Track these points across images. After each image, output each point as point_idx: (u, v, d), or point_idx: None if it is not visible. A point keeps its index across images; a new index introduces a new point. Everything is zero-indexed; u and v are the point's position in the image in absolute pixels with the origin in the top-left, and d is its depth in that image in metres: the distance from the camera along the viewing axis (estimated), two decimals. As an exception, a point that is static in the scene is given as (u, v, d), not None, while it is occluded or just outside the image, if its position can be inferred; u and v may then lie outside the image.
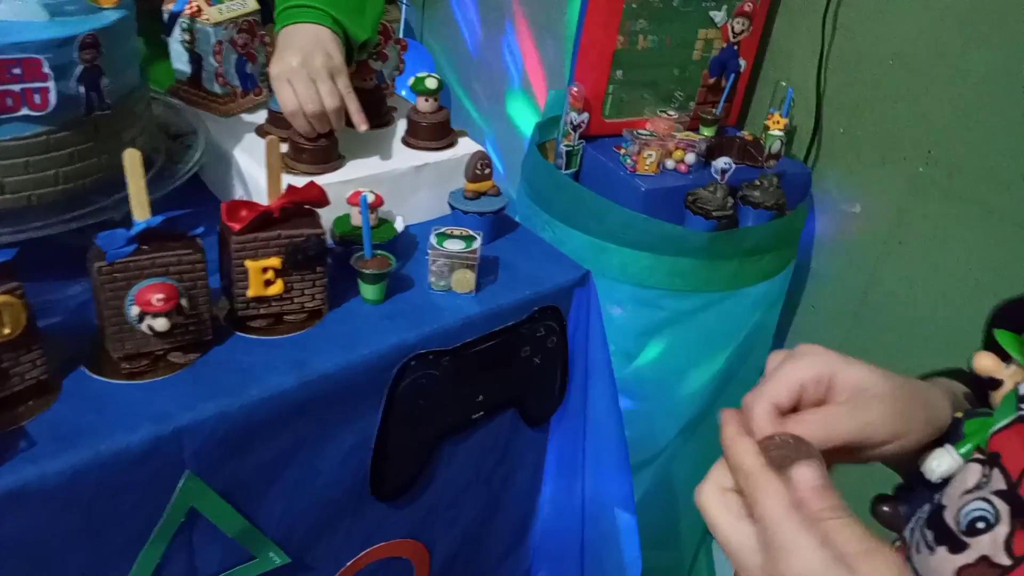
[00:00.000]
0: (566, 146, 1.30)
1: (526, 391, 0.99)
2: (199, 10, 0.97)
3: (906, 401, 0.45)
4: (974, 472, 0.42)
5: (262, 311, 0.80)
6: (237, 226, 0.74)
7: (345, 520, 0.88)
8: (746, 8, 1.31)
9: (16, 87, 0.67)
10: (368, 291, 0.85)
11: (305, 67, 0.89)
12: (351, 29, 0.97)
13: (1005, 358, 0.47)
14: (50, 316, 0.77)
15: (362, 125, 0.94)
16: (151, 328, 0.71)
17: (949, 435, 0.48)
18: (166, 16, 0.97)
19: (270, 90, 1.00)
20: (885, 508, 0.51)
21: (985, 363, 0.47)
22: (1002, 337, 0.46)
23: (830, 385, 0.45)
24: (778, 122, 1.31)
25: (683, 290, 1.24)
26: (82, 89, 0.73)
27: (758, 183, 1.24)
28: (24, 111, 0.69)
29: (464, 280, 0.89)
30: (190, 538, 0.74)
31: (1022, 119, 1.12)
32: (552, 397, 1.03)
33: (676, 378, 1.37)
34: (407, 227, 0.99)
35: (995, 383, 0.47)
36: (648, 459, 1.45)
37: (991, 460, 0.41)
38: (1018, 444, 0.40)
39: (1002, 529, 0.38)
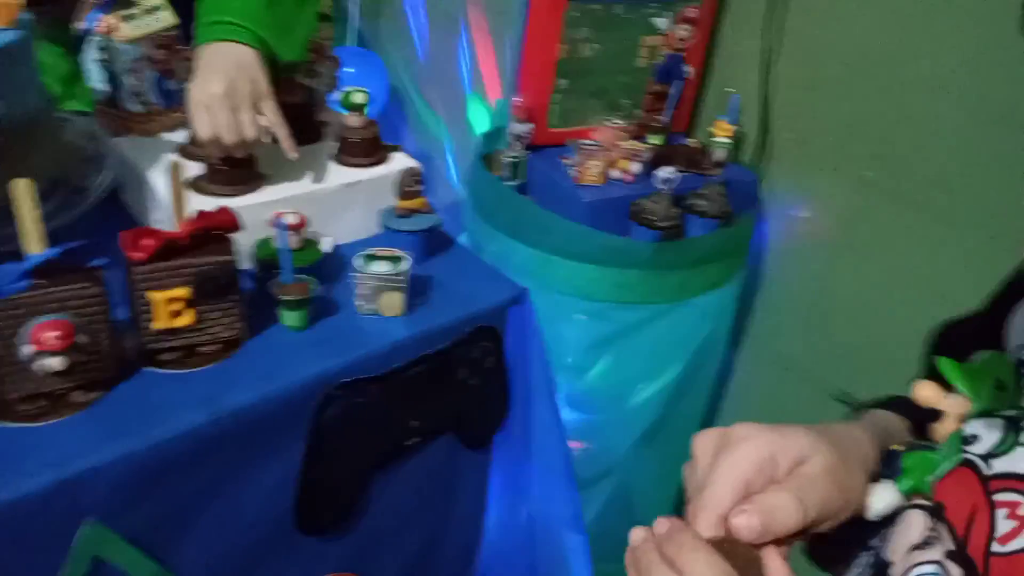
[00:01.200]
0: (510, 157, 1.28)
1: (464, 414, 0.96)
2: (114, 27, 0.92)
3: (848, 470, 0.43)
4: (918, 523, 0.40)
5: (172, 344, 0.76)
6: (137, 256, 0.70)
7: (273, 558, 0.84)
8: (690, 15, 1.29)
9: None
10: (289, 318, 0.82)
11: (228, 96, 0.85)
12: (278, 49, 0.93)
13: (947, 386, 0.45)
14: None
15: (292, 153, 0.90)
16: (47, 368, 0.67)
17: (887, 469, 0.46)
18: (76, 33, 0.93)
19: (192, 107, 0.96)
20: (820, 546, 0.48)
21: (926, 393, 0.45)
22: (944, 365, 0.44)
23: (768, 467, 0.41)
24: (724, 129, 1.29)
25: (630, 301, 1.22)
26: (-32, 114, 0.69)
27: (703, 192, 1.22)
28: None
29: (392, 303, 0.85)
30: (97, 588, 0.70)
31: (964, 122, 1.11)
32: (492, 418, 1.00)
33: (628, 389, 1.34)
34: (338, 248, 0.95)
35: (936, 414, 0.45)
36: (605, 471, 1.42)
37: (936, 512, 0.38)
38: (962, 493, 0.38)
39: None
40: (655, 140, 1.35)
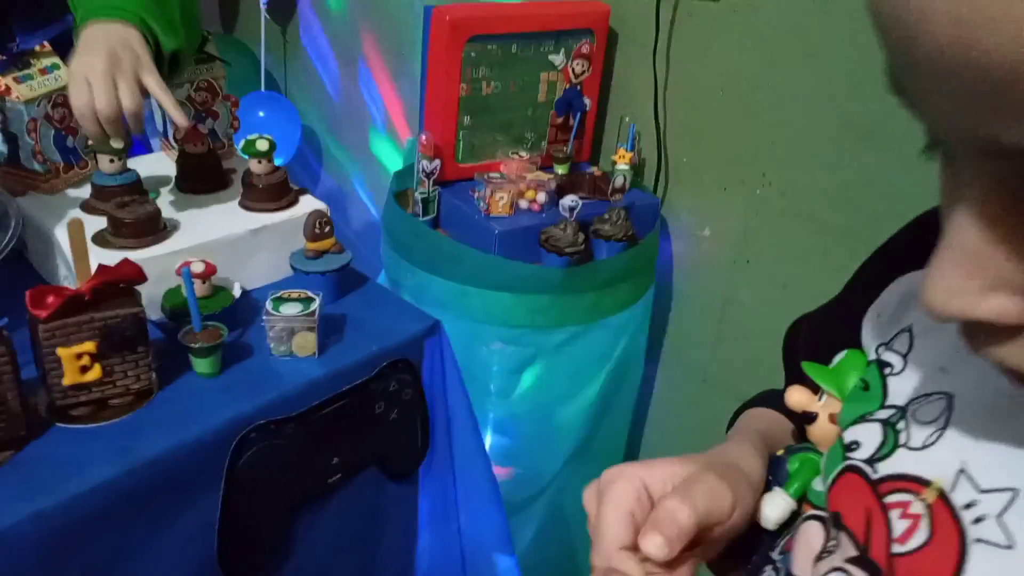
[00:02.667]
0: (420, 193, 1.31)
1: (386, 447, 0.98)
2: (8, 89, 0.93)
3: (724, 468, 0.44)
4: (817, 533, 0.41)
5: (82, 398, 0.76)
6: (43, 313, 0.71)
7: (199, 605, 0.84)
8: (583, 50, 1.37)
9: None
10: (200, 365, 0.83)
11: (109, 67, 0.85)
12: (161, 36, 0.94)
13: (815, 388, 0.47)
14: None
15: (181, 121, 0.90)
16: (-49, 431, 0.67)
17: (774, 476, 0.48)
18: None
19: (95, 162, 0.97)
20: (723, 560, 0.49)
21: (797, 398, 0.46)
22: (810, 369, 0.45)
23: (649, 494, 0.43)
24: (623, 156, 1.36)
25: (545, 326, 1.27)
26: None
27: (607, 217, 1.28)
28: None
29: (305, 343, 0.87)
30: (12, 653, 0.69)
31: (839, 136, 1.20)
32: (415, 449, 1.02)
33: (552, 411, 1.38)
34: (250, 293, 0.97)
35: (810, 417, 0.46)
36: (536, 493, 1.45)
37: (834, 521, 0.39)
38: (855, 500, 0.38)
39: None
40: (560, 170, 1.41)
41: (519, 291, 1.22)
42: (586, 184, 1.36)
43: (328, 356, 0.89)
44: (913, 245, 0.40)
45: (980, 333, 0.27)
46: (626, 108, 1.49)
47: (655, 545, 0.39)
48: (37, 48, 0.96)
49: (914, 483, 0.35)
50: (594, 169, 1.44)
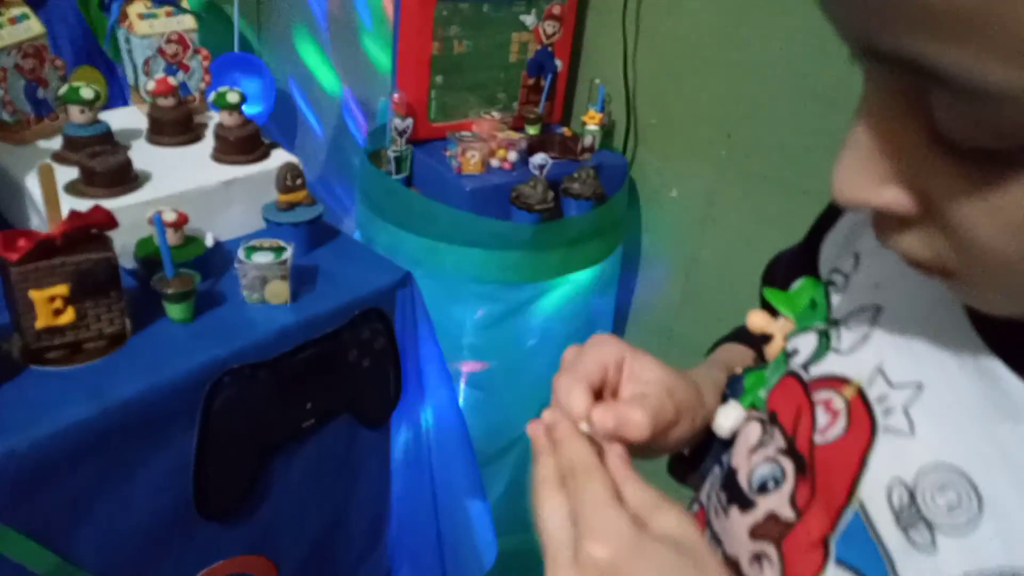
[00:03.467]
0: (393, 151, 1.33)
1: (358, 394, 1.01)
2: (-25, 36, 0.93)
3: (683, 387, 0.49)
4: (755, 431, 0.45)
5: (56, 342, 0.77)
6: (14, 256, 0.72)
7: (174, 543, 0.86)
8: (554, 11, 1.38)
9: None
10: (174, 311, 0.84)
11: None
12: None
13: (774, 313, 0.50)
14: None
15: None
16: (-73, 371, 0.68)
17: (731, 391, 0.52)
18: (-64, 44, 0.93)
19: (66, 113, 0.97)
20: (682, 468, 0.54)
21: (756, 320, 0.50)
22: (769, 294, 0.50)
23: (621, 368, 0.48)
24: (593, 117, 1.38)
25: (515, 281, 1.29)
26: None
27: (576, 176, 1.30)
28: None
29: (277, 291, 0.89)
30: (-7, 584, 0.72)
31: (802, 99, 1.23)
32: (387, 397, 1.05)
33: (523, 365, 1.42)
34: (222, 244, 0.98)
35: (767, 338, 0.50)
36: (507, 446, 1.49)
37: (770, 419, 0.43)
38: (789, 399, 0.42)
39: (787, 485, 0.40)
40: (532, 130, 1.43)
41: (490, 247, 1.24)
42: (556, 144, 1.38)
43: (300, 304, 0.91)
44: None
45: (884, 225, 0.30)
46: (596, 70, 1.50)
47: (602, 424, 0.43)
48: (4, -3, 0.95)
49: (838, 382, 0.39)
50: (564, 129, 1.46)
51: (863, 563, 0.34)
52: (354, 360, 0.97)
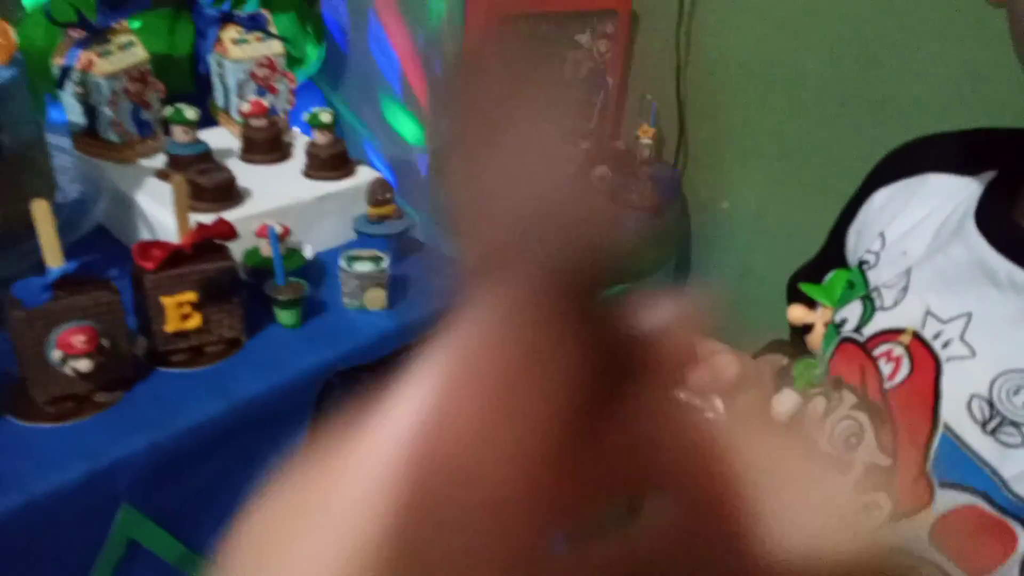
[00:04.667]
0: (457, 167, 1.38)
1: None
2: (91, 63, 0.99)
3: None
4: (819, 402, 0.49)
5: (182, 345, 0.83)
6: (151, 265, 0.78)
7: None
8: (607, 31, 1.44)
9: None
10: (285, 316, 0.90)
11: None
12: None
13: (812, 306, 0.56)
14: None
15: None
16: (75, 370, 0.74)
17: (782, 380, 0.56)
18: (56, 71, 0.99)
19: (167, 134, 1.04)
20: None
21: (796, 313, 0.56)
22: (807, 288, 0.55)
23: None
24: (646, 131, 1.43)
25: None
26: (-18, 146, 0.75)
27: (633, 188, 1.35)
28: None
29: (376, 298, 0.94)
30: (130, 569, 0.77)
31: (850, 110, 1.28)
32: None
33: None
34: (317, 255, 1.04)
35: (808, 328, 0.55)
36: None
37: (835, 384, 0.48)
38: (851, 362, 0.48)
39: (868, 435, 0.44)
40: (585, 144, 1.49)
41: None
42: (611, 157, 1.44)
43: (396, 311, 0.96)
44: (882, 169, 0.55)
45: None
46: (647, 86, 1.56)
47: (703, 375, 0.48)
48: (115, 25, 1.02)
49: (893, 334, 0.45)
50: (619, 143, 1.51)
51: (965, 476, 0.39)
52: (441, 364, 1.02)
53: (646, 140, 1.44)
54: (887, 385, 0.44)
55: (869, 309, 0.48)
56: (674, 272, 1.55)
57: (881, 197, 0.56)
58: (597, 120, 1.51)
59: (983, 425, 0.38)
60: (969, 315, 0.41)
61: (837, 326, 0.51)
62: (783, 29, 1.33)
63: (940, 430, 0.40)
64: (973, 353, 0.40)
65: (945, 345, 0.41)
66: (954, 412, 0.40)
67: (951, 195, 0.48)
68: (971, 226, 0.44)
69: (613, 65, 1.49)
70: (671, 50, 1.47)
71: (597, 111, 1.50)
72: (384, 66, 1.98)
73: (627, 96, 1.60)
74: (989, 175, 0.47)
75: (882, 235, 0.52)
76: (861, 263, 0.53)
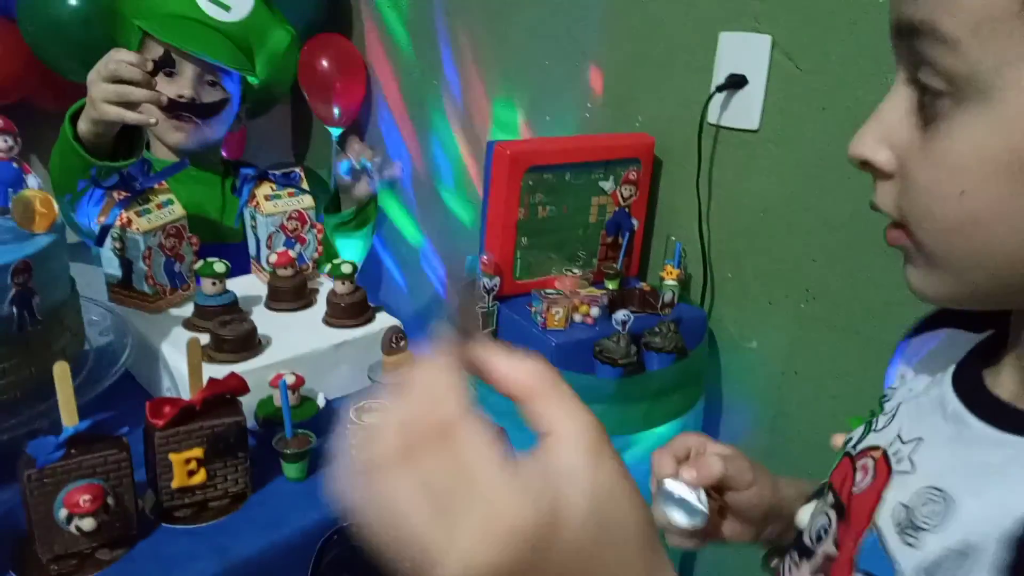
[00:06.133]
0: (482, 308, 1.41)
1: (452, 551, 1.03)
2: (129, 221, 1.06)
3: (756, 467, 0.68)
4: (813, 503, 0.59)
5: (187, 500, 0.84)
6: (160, 422, 0.80)
7: None
8: (631, 176, 1.48)
9: (-48, 317, 0.74)
10: (290, 470, 0.90)
11: None
12: None
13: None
14: (-24, 525, 0.80)
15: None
16: (79, 528, 0.75)
17: (811, 496, 0.63)
18: (97, 228, 1.06)
19: (197, 284, 1.09)
20: (775, 559, 0.65)
21: (837, 440, 0.63)
22: (849, 420, 0.62)
23: (704, 449, 0.68)
24: (671, 272, 1.44)
25: (600, 435, 1.32)
26: (14, 309, 0.80)
27: (658, 329, 1.35)
28: (-42, 336, 0.76)
29: (383, 450, 0.94)
30: None
31: (877, 253, 1.27)
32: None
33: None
34: (330, 402, 1.05)
35: None
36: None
37: (826, 488, 0.57)
38: (841, 472, 0.56)
39: (831, 529, 0.53)
40: (611, 285, 1.50)
41: (575, 401, 1.28)
42: (636, 299, 1.45)
43: (403, 462, 0.96)
44: (917, 324, 0.62)
45: (876, 180, 0.46)
46: (672, 228, 1.58)
47: (687, 473, 0.63)
48: (156, 186, 1.10)
49: (872, 450, 0.53)
50: (643, 284, 1.52)
51: (876, 568, 0.46)
52: (451, 517, 1.00)
53: (670, 281, 1.44)
54: (854, 490, 0.52)
55: (867, 430, 0.56)
56: (705, 412, 1.51)
57: (909, 345, 0.65)
58: (623, 261, 1.52)
59: (899, 527, 0.45)
60: (920, 439, 0.49)
61: (845, 443, 0.59)
62: (807, 175, 1.35)
63: (872, 529, 0.47)
64: (913, 470, 0.48)
65: (898, 461, 0.49)
66: (884, 515, 0.47)
67: (957, 348, 0.55)
68: (950, 373, 0.51)
69: (637, 208, 1.52)
70: (693, 194, 1.50)
71: (622, 253, 1.52)
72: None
73: (652, 238, 1.62)
74: (988, 333, 0.54)
75: (903, 375, 0.60)
76: (882, 396, 0.61)
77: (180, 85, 1.37)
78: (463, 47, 1.94)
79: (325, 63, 2.13)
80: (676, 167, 1.54)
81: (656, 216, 1.61)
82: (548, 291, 1.40)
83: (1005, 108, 0.36)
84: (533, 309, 1.40)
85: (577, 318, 1.40)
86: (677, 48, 1.50)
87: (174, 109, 1.36)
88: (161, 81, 1.33)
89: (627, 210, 1.51)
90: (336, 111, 2.17)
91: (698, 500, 0.62)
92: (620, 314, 1.31)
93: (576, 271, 1.49)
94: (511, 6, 1.80)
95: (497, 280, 1.41)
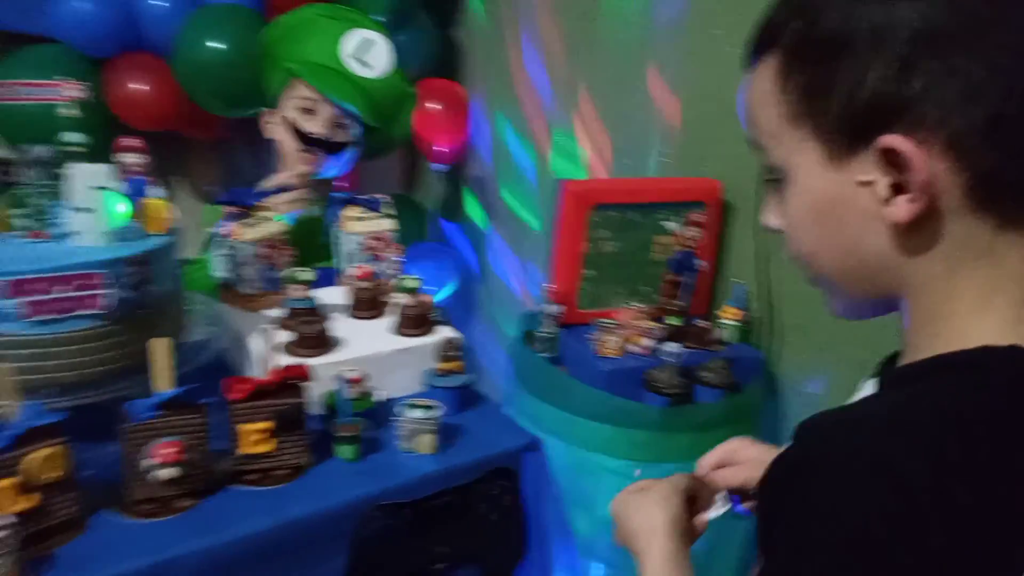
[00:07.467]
0: (543, 333, 1.51)
1: (485, 545, 1.12)
2: (237, 232, 1.24)
3: None
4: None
5: (254, 467, 0.98)
6: (236, 396, 0.95)
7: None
8: (696, 218, 1.55)
9: (81, 294, 0.93)
10: (343, 451, 1.03)
11: None
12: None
13: None
14: (89, 468, 0.96)
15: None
16: (161, 477, 0.90)
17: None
18: (210, 236, 1.25)
19: (289, 289, 1.25)
20: None
21: None
22: None
23: (738, 453, 0.81)
24: (730, 313, 1.49)
25: (645, 460, 1.37)
26: (132, 294, 0.98)
27: (709, 365, 1.40)
28: (83, 311, 0.94)
29: (425, 442, 1.06)
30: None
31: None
32: (512, 553, 1.15)
33: (652, 548, 1.45)
34: (390, 400, 1.18)
35: None
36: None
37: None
38: None
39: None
40: (673, 321, 1.56)
41: (620, 424, 1.35)
42: (692, 335, 1.50)
43: (443, 456, 1.06)
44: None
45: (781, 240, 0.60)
46: (738, 270, 1.63)
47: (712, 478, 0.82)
48: (261, 203, 1.28)
49: None
50: (699, 321, 1.57)
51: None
52: (483, 513, 1.10)
53: (727, 321, 1.49)
54: None
55: None
56: (761, 453, 1.52)
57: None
58: (686, 299, 1.58)
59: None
60: None
61: None
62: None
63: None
64: None
65: None
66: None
67: None
68: None
69: (703, 249, 1.58)
70: (755, 241, 1.54)
71: (685, 291, 1.58)
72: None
73: (719, 279, 1.67)
74: None
75: None
76: None
77: (316, 123, 1.57)
78: (554, 82, 2.07)
79: (433, 105, 2.32)
80: (744, 212, 1.60)
81: (723, 257, 1.66)
82: (606, 321, 1.48)
83: (801, 179, 0.55)
84: (591, 337, 1.48)
85: (632, 349, 1.47)
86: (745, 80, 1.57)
87: (307, 142, 1.56)
88: (300, 116, 1.54)
89: (691, 250, 1.57)
90: (441, 149, 2.35)
91: (723, 499, 0.80)
92: (670, 346, 1.37)
93: (638, 305, 1.57)
94: (595, 47, 1.92)
95: (561, 308, 1.51)
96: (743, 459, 0.80)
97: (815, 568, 0.45)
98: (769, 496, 0.51)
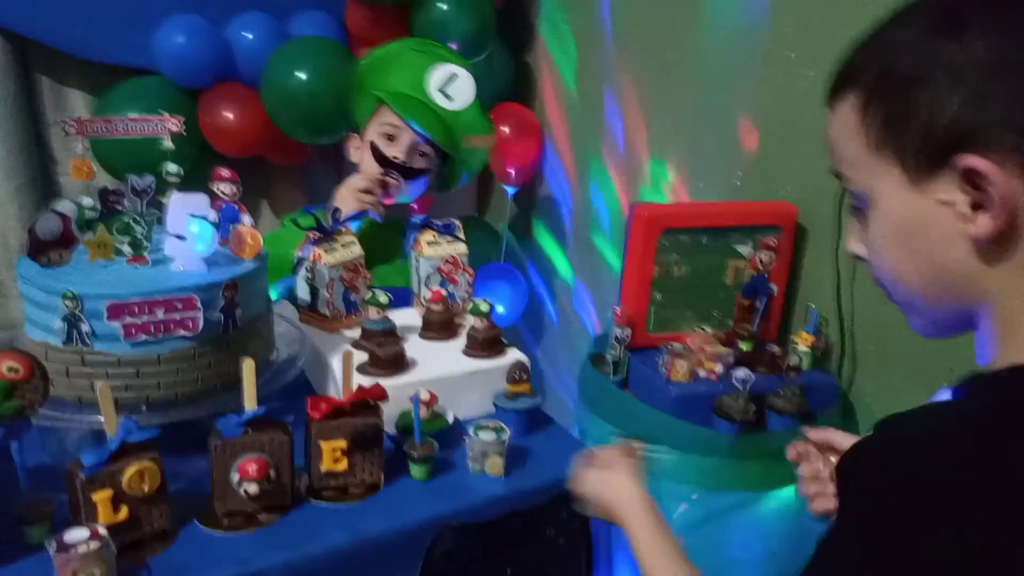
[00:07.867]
0: (612, 356, 1.51)
1: (552, 569, 1.13)
2: (319, 256, 1.30)
3: None
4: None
5: (331, 484, 1.02)
6: (316, 415, 1.00)
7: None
8: (770, 243, 1.53)
9: (176, 316, 0.99)
10: (416, 470, 1.07)
11: None
12: None
13: None
14: (179, 481, 1.03)
15: None
16: (246, 492, 0.96)
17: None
18: (295, 260, 1.32)
19: (367, 312, 1.30)
20: None
21: None
22: None
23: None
24: (803, 338, 1.46)
25: (713, 487, 1.36)
26: (222, 317, 1.04)
27: (781, 392, 1.38)
28: (180, 332, 1.00)
29: (494, 464, 1.08)
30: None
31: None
32: (578, 577, 1.16)
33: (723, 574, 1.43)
34: (459, 420, 1.21)
35: None
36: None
37: None
38: None
39: None
40: (744, 346, 1.54)
41: (689, 450, 1.34)
42: (764, 361, 1.48)
43: (512, 479, 1.09)
44: None
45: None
46: (814, 296, 1.60)
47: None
48: (342, 229, 1.34)
49: None
50: (773, 347, 1.55)
51: None
52: (551, 536, 1.11)
53: (802, 347, 1.47)
54: None
55: None
56: (836, 483, 1.49)
57: None
58: (759, 325, 1.56)
59: None
60: None
61: None
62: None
63: None
64: None
65: None
66: None
67: None
68: None
69: (777, 274, 1.56)
70: (833, 264, 1.52)
71: (758, 316, 1.56)
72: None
73: (794, 304, 1.64)
74: None
75: None
76: None
77: (397, 148, 1.63)
78: (627, 109, 2.09)
79: (506, 129, 2.36)
80: (820, 236, 1.57)
81: (798, 283, 1.63)
82: (676, 345, 1.48)
83: (884, 202, 0.60)
84: (660, 361, 1.48)
85: (702, 373, 1.46)
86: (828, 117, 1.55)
87: (386, 165, 1.62)
88: (382, 141, 1.61)
89: (766, 275, 1.56)
90: (512, 172, 2.39)
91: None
92: (740, 372, 1.36)
93: (708, 329, 1.56)
94: (673, 72, 1.92)
95: (629, 331, 1.51)
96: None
97: (862, 551, 0.50)
98: (840, 478, 0.56)
